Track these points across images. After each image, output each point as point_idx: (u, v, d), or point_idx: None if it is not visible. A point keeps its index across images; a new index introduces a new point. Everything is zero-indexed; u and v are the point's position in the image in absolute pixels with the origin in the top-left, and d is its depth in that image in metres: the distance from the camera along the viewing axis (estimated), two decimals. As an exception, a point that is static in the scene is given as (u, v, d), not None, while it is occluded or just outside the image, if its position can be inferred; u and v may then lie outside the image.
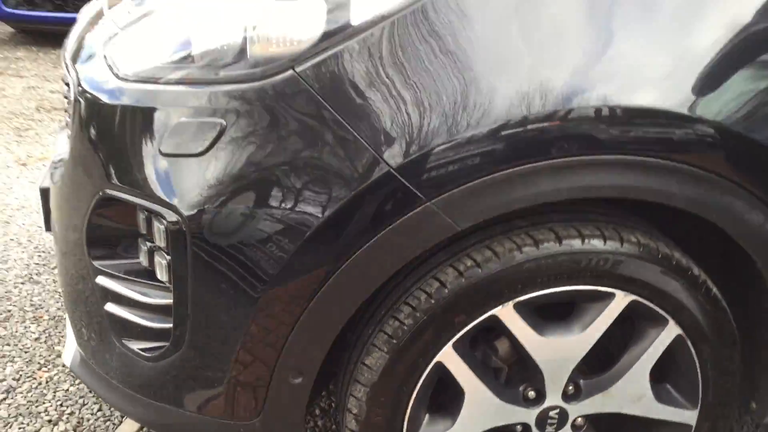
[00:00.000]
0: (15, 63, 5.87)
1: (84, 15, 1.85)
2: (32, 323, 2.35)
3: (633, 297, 1.35)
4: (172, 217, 1.27)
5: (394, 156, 1.19)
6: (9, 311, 2.42)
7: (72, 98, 1.49)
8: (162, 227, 1.30)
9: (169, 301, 1.34)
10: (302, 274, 1.25)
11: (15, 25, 5.83)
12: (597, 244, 1.31)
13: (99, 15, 1.69)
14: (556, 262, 1.30)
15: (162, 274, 1.35)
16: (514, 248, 1.30)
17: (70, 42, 1.71)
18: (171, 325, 1.35)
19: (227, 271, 1.27)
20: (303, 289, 1.26)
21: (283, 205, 1.23)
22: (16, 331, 2.31)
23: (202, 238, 1.26)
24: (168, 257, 1.31)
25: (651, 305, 1.37)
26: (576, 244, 1.31)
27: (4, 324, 2.34)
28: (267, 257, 1.24)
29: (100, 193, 1.38)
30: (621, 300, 1.35)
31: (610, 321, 1.37)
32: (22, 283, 2.58)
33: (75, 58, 1.56)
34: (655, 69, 1.21)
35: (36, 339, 2.27)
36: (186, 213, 1.26)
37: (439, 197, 1.21)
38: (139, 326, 1.41)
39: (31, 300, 2.48)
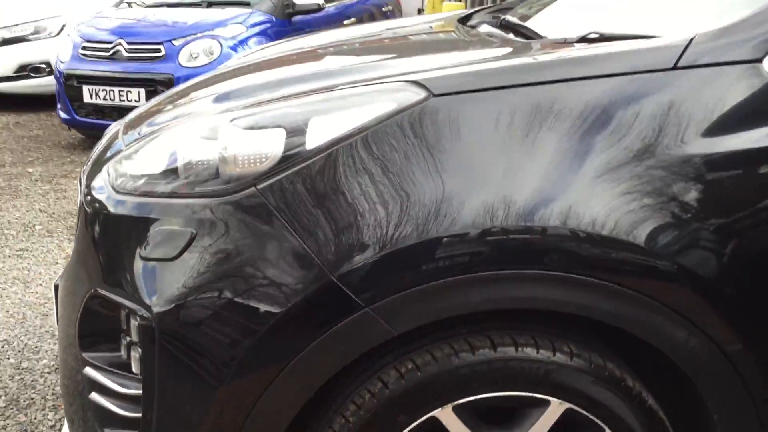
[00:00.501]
0: (81, 167, 6.31)
1: (107, 133, 2.08)
2: (51, 411, 2.51)
3: (568, 405, 1.43)
4: (144, 314, 1.43)
5: (335, 265, 1.33)
6: (32, 399, 2.59)
7: (78, 205, 1.69)
8: (136, 323, 1.45)
9: (140, 391, 1.48)
10: (253, 372, 1.38)
11: (85, 132, 6.30)
12: (530, 352, 1.41)
13: (116, 135, 1.91)
14: (491, 368, 1.40)
15: (135, 367, 1.50)
16: (452, 353, 1.41)
17: (89, 157, 1.93)
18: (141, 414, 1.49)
19: (190, 365, 1.41)
20: (255, 384, 1.39)
21: (237, 308, 1.37)
22: (35, 418, 2.47)
23: (168, 334, 1.41)
24: (140, 351, 1.46)
25: (586, 414, 1.44)
26: (510, 351, 1.41)
27: (26, 411, 2.52)
28: (224, 354, 1.38)
29: (92, 291, 1.56)
30: (556, 407, 1.43)
31: (547, 427, 1.44)
32: (49, 373, 2.77)
33: (89, 170, 1.78)
34: (574, 193, 1.33)
35: (51, 426, 2.43)
36: (155, 311, 1.41)
37: (376, 304, 1.34)
38: (116, 415, 1.54)
39: (53, 389, 2.65)
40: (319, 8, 6.49)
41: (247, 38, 5.95)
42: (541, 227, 1.33)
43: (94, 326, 1.60)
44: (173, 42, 5.81)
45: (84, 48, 6.07)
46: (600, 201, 1.33)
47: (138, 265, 1.46)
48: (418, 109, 1.38)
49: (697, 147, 1.35)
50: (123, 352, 1.56)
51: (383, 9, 8.15)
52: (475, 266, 1.34)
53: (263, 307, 1.36)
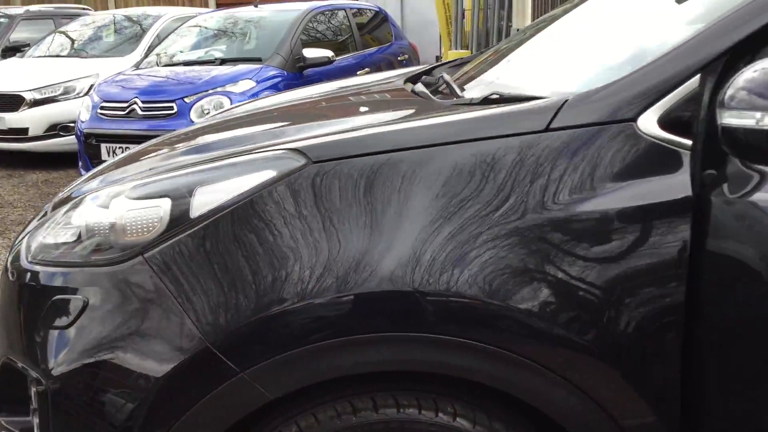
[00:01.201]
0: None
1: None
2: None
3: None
4: (41, 381, 1.48)
5: (212, 331, 1.37)
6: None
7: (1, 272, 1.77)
8: (34, 389, 1.51)
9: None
10: (138, 435, 1.42)
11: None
12: (412, 412, 1.42)
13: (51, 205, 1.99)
14: (372, 430, 1.41)
15: (36, 430, 1.55)
16: (334, 416, 1.42)
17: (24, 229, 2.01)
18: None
19: (81, 429, 1.45)
20: (141, 448, 1.42)
21: (124, 374, 1.42)
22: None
23: (60, 401, 1.46)
24: (38, 417, 1.51)
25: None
26: (392, 412, 1.42)
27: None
28: (113, 420, 1.42)
29: (5, 358, 1.62)
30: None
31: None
32: None
33: (19, 240, 1.86)
34: (443, 255, 1.35)
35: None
36: (49, 379, 1.46)
37: (251, 368, 1.37)
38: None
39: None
40: (330, 61, 6.62)
41: (258, 92, 6.09)
42: (410, 289, 1.34)
43: (9, 391, 1.66)
44: (185, 99, 5.99)
45: (102, 108, 6.29)
46: (471, 262, 1.34)
47: (39, 333, 1.52)
48: (297, 176, 1.42)
49: (566, 207, 1.35)
50: (31, 417, 1.61)
51: (399, 58, 8.27)
52: (342, 330, 1.36)
53: (147, 373, 1.40)
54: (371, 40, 8.20)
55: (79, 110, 6.70)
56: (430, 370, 1.39)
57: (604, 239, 1.35)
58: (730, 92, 1.20)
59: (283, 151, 1.48)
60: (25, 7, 11.88)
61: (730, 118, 1.19)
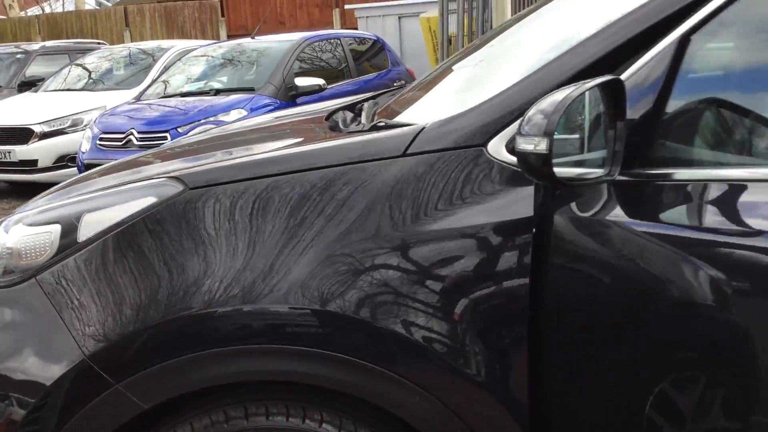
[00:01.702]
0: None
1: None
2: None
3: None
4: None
5: (90, 345, 1.49)
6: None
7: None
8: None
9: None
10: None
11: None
12: (280, 420, 1.52)
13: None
14: (244, 437, 1.52)
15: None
16: (209, 424, 1.53)
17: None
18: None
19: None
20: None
21: (15, 386, 1.55)
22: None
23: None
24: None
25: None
26: (261, 420, 1.52)
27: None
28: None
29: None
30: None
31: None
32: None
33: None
34: (299, 273, 1.46)
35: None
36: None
37: (126, 380, 1.48)
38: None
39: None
40: (321, 89, 6.78)
41: (250, 121, 6.26)
42: (268, 306, 1.45)
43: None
44: (178, 129, 6.19)
45: (101, 139, 6.51)
46: (327, 279, 1.44)
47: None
48: (175, 201, 1.54)
49: (420, 227, 1.45)
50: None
51: (395, 84, 8.41)
52: (209, 342, 1.47)
53: (32, 385, 1.53)
54: (369, 67, 8.37)
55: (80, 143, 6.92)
56: (294, 380, 1.49)
57: (453, 256, 1.44)
58: (525, 119, 1.30)
59: (164, 179, 1.60)
60: (42, 43, 12.26)
61: (521, 143, 1.29)
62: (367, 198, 1.47)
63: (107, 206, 1.61)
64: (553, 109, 1.22)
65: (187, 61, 7.93)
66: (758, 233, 1.28)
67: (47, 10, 20.33)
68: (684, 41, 1.36)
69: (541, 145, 1.22)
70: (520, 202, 1.42)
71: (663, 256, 1.32)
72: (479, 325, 1.43)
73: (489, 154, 1.45)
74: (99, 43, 12.90)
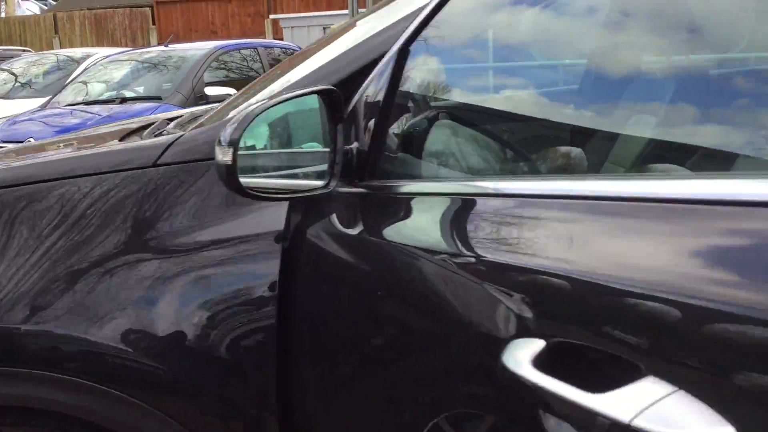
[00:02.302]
0: None
1: None
2: None
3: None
4: None
5: None
6: None
7: None
8: None
9: None
10: None
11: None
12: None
13: None
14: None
15: None
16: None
17: None
18: None
19: None
20: None
21: None
22: None
23: None
24: None
25: None
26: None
27: None
28: None
29: None
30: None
31: None
32: None
33: None
34: (45, 287, 1.36)
35: None
36: None
37: None
38: None
39: None
40: (231, 98, 6.67)
41: (155, 131, 6.12)
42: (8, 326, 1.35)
43: None
44: (78, 138, 6.00)
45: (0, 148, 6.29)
46: (66, 297, 1.35)
47: None
48: None
49: (169, 238, 1.36)
50: None
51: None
52: None
53: None
54: (289, 77, 8.27)
55: (-21, 151, 6.69)
56: (28, 405, 1.39)
57: (198, 271, 1.36)
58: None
59: None
60: (-40, 50, 11.92)
61: (217, 154, 1.22)
62: (112, 209, 1.38)
63: None
64: (241, 119, 1.15)
65: (100, 69, 7.74)
66: (472, 247, 1.20)
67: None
68: (403, 54, 1.28)
69: (227, 156, 1.14)
70: (272, 216, 1.35)
71: (390, 270, 1.24)
72: (225, 344, 1.34)
73: None
74: (24, 50, 12.61)
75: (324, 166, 1.26)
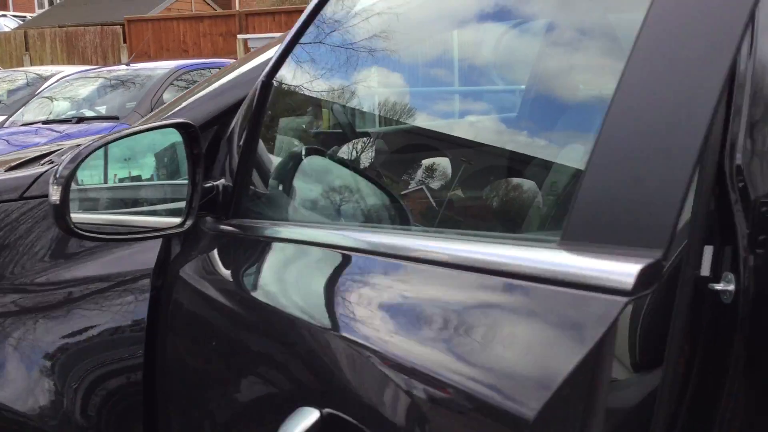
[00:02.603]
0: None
1: None
2: None
3: None
4: None
5: None
6: None
7: None
8: None
9: None
10: None
11: None
12: None
13: None
14: None
15: None
16: None
17: None
18: None
19: None
20: None
21: None
22: None
23: None
24: None
25: None
26: None
27: None
28: None
29: None
30: None
31: None
32: None
33: None
34: None
35: None
36: None
37: None
38: None
39: None
40: (190, 118, 6.60)
41: (111, 151, 6.03)
42: None
43: None
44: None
45: (-48, 168, 6.18)
46: None
47: None
48: None
49: (32, 273, 1.31)
50: None
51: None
52: None
53: None
54: (253, 97, 8.22)
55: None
56: None
57: (67, 306, 1.31)
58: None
59: None
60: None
61: (50, 193, 1.17)
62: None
63: None
64: (74, 155, 1.10)
65: (62, 88, 7.65)
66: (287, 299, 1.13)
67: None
68: (265, 88, 1.23)
69: (55, 195, 1.08)
70: (144, 253, 1.30)
71: (232, 312, 1.18)
72: (92, 386, 1.29)
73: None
74: (-8, 67, 12.50)
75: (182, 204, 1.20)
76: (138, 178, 1.35)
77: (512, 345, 0.70)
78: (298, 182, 1.25)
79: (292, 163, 1.27)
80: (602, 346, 0.62)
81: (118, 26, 14.91)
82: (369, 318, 0.85)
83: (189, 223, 1.18)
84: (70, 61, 14.65)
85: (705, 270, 1.19)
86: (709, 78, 0.63)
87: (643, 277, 0.61)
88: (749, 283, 1.14)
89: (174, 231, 1.18)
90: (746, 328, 1.13)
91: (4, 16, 22.23)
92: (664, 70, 0.67)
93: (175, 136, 1.16)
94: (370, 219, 1.22)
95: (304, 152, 1.30)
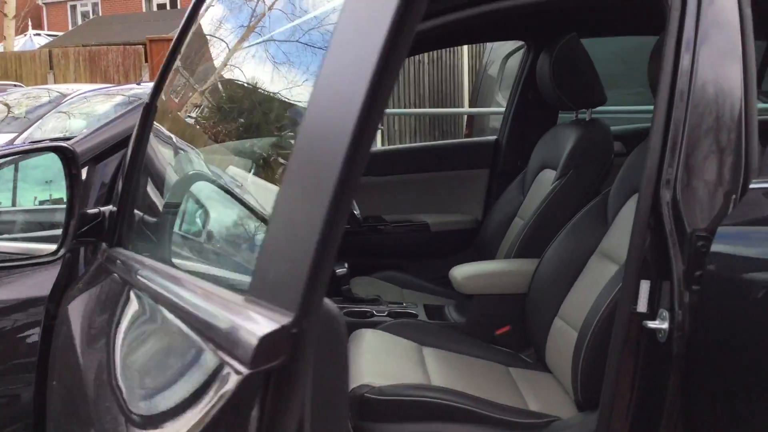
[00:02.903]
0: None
1: None
2: None
3: None
4: None
5: None
6: None
7: None
8: None
9: None
10: None
11: None
12: None
13: None
14: None
15: None
16: None
17: None
18: None
19: None
20: None
21: None
22: None
23: None
24: None
25: None
26: None
27: None
28: None
29: None
30: None
31: None
32: None
33: None
34: None
35: None
36: None
37: None
38: None
39: None
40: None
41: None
42: None
43: None
44: None
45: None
46: None
47: None
48: None
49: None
50: None
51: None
52: None
53: None
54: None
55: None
56: None
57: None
58: None
59: None
60: (-53, 84, 11.97)
61: None
62: None
63: None
64: None
65: (73, 106, 7.72)
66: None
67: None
68: (147, 111, 1.19)
69: None
70: (42, 280, 1.26)
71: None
72: None
73: None
74: (15, 84, 12.68)
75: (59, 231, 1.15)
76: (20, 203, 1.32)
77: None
78: (165, 210, 1.20)
79: (168, 188, 1.23)
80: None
81: (140, 46, 15.09)
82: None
83: (64, 250, 1.12)
84: (92, 80, 14.84)
85: (642, 306, 1.12)
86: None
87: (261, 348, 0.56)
88: (683, 321, 1.07)
89: (47, 260, 1.13)
90: (681, 369, 1.06)
91: (38, 35, 22.61)
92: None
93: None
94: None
95: (178, 176, 1.25)
